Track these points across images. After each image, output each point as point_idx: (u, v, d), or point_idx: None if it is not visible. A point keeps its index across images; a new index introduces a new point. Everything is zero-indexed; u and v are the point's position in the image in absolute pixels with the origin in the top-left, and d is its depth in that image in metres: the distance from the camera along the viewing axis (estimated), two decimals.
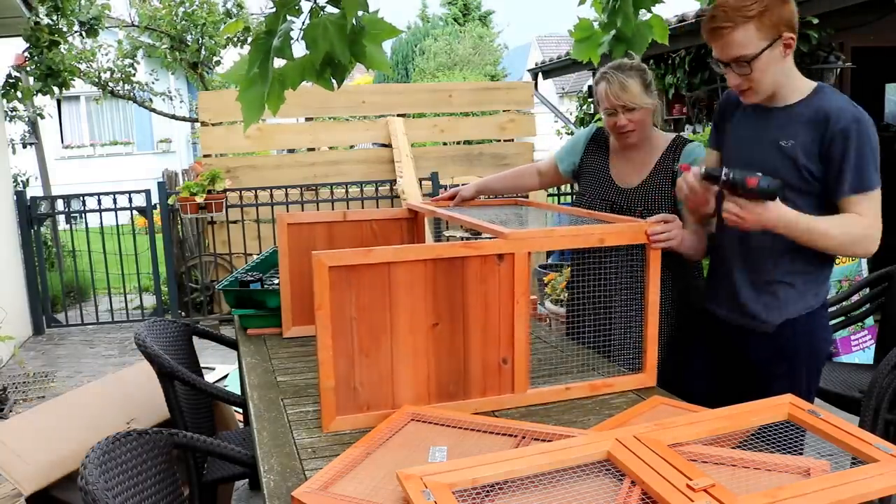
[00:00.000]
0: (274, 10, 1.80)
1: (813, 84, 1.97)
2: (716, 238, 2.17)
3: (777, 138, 1.96)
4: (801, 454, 1.48)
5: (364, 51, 1.81)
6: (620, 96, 2.28)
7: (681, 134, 2.49)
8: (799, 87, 1.96)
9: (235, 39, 10.03)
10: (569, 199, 6.96)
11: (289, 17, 1.79)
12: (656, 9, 2.42)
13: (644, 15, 2.44)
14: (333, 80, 1.91)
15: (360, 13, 1.76)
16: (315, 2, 1.81)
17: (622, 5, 2.22)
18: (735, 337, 2.10)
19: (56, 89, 6.70)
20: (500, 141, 7.87)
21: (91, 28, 7.25)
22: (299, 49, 1.83)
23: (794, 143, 1.92)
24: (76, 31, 7.25)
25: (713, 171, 1.84)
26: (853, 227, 1.89)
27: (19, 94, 6.66)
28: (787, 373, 2.03)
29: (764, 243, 1.98)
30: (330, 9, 1.81)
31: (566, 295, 3.99)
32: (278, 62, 1.87)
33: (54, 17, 6.51)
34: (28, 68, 6.56)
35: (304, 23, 1.79)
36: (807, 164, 1.90)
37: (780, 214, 1.83)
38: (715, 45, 1.92)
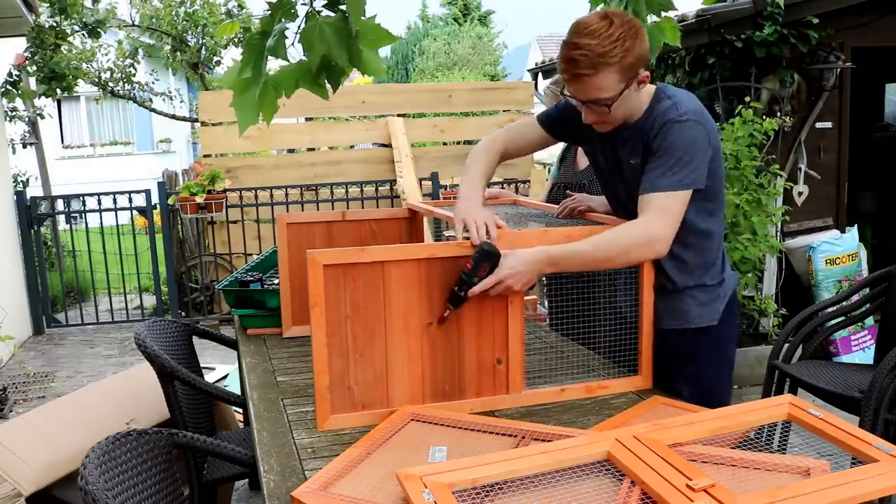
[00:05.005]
0: (269, 12, 1.80)
1: (653, 90, 1.93)
2: None
3: (627, 158, 1.96)
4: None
5: (360, 55, 1.81)
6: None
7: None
8: (643, 102, 1.92)
9: (237, 40, 10.03)
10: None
11: (284, 21, 1.79)
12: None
13: (654, 17, 2.42)
14: (329, 86, 1.91)
15: (359, 18, 1.76)
16: (311, 6, 1.81)
17: (635, 7, 2.21)
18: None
19: (59, 91, 6.69)
20: None
21: (93, 30, 7.26)
22: (296, 53, 1.83)
23: (639, 161, 1.91)
24: (78, 32, 7.25)
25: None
26: (618, 236, 1.85)
27: (19, 95, 6.66)
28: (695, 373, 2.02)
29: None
30: (326, 13, 1.81)
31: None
32: (275, 67, 1.87)
33: (58, 19, 6.50)
34: (29, 69, 6.56)
35: (299, 27, 1.79)
36: None
37: (526, 256, 1.80)
38: (572, 84, 1.86)
